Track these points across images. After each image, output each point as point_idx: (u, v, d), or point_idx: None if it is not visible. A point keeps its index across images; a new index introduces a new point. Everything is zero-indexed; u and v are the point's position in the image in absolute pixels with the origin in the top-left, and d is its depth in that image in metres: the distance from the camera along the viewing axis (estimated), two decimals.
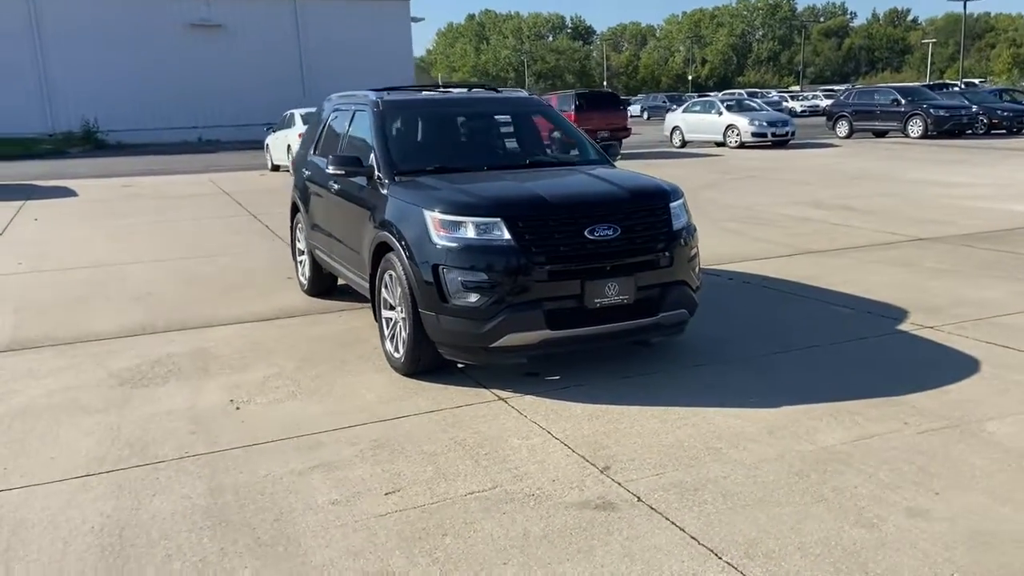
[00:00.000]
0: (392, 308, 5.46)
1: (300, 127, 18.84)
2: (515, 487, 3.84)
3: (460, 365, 5.41)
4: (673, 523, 3.47)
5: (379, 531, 3.47)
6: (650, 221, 5.20)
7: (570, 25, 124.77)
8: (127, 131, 32.80)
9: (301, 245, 7.89)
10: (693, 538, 3.35)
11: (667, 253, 5.18)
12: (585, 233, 4.94)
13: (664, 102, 54.00)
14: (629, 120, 24.25)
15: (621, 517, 3.53)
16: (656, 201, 5.32)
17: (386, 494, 3.80)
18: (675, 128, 27.08)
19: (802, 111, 54.18)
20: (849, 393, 4.90)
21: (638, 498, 3.70)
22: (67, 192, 17.86)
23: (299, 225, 7.90)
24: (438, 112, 6.60)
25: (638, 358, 5.66)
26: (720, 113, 25.74)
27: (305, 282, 7.87)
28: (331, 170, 6.01)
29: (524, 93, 7.14)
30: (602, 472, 3.97)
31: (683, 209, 5.51)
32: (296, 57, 36.40)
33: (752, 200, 13.77)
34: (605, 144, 6.95)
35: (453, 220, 4.95)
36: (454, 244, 4.91)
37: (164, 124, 33.92)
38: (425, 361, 5.26)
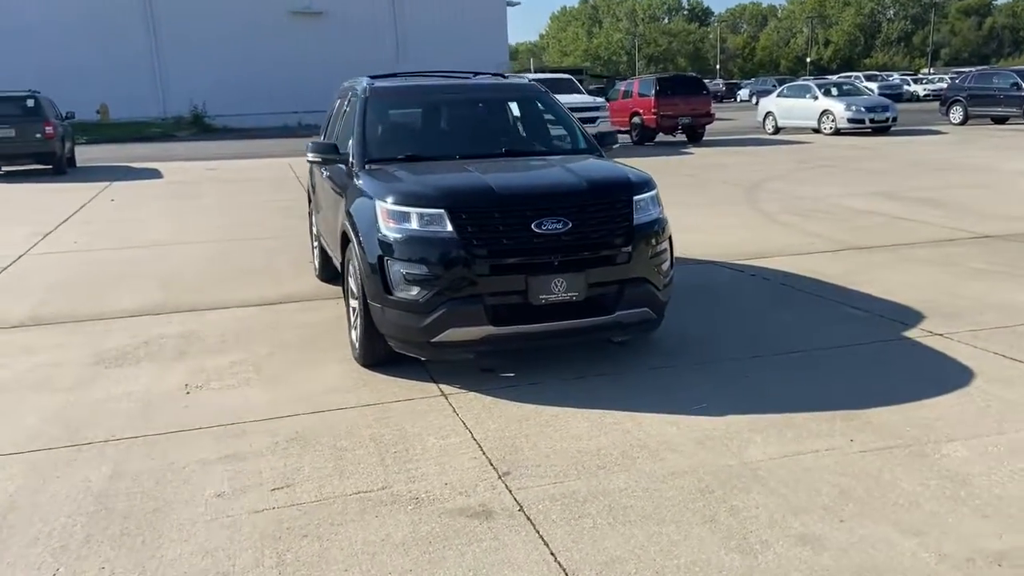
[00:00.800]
0: (355, 297, 5.42)
1: None
2: (404, 488, 3.73)
3: (423, 358, 5.32)
4: (540, 537, 3.29)
5: (245, 528, 3.43)
6: (608, 215, 4.96)
7: (687, 6, 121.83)
8: (232, 116, 34.08)
9: (315, 230, 7.98)
10: (552, 555, 3.17)
11: (625, 249, 4.93)
12: (532, 226, 4.75)
13: (774, 86, 52.01)
14: (713, 105, 23.47)
15: (491, 527, 3.38)
16: (617, 194, 5.07)
17: (273, 490, 3.75)
18: (768, 113, 26.03)
19: (925, 95, 51.30)
20: (810, 404, 4.55)
21: (521, 507, 3.53)
22: (154, 174, 18.71)
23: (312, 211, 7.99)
24: (424, 100, 6.51)
25: (606, 356, 5.43)
26: (815, 97, 24.54)
27: (316, 267, 7.96)
28: (309, 157, 6.02)
29: (526, 80, 6.92)
30: (500, 477, 3.81)
31: (652, 203, 5.23)
32: (392, 43, 36.95)
33: (821, 191, 13.07)
34: (600, 133, 6.69)
35: (400, 211, 4.86)
36: (399, 235, 4.82)
37: (267, 109, 35.06)
38: (379, 353, 5.20)
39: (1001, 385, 4.75)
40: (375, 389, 4.99)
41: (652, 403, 4.64)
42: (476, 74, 7.24)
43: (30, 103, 18.00)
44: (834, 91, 25.03)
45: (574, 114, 20.99)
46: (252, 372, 5.39)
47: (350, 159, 5.77)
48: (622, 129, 23.20)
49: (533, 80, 7.45)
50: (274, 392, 5.03)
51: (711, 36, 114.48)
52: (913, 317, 6.13)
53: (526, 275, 4.74)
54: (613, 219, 4.97)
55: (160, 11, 35.24)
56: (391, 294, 4.83)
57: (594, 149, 6.18)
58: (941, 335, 5.69)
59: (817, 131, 24.46)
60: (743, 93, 61.69)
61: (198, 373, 5.41)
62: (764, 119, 26.25)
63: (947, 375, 4.95)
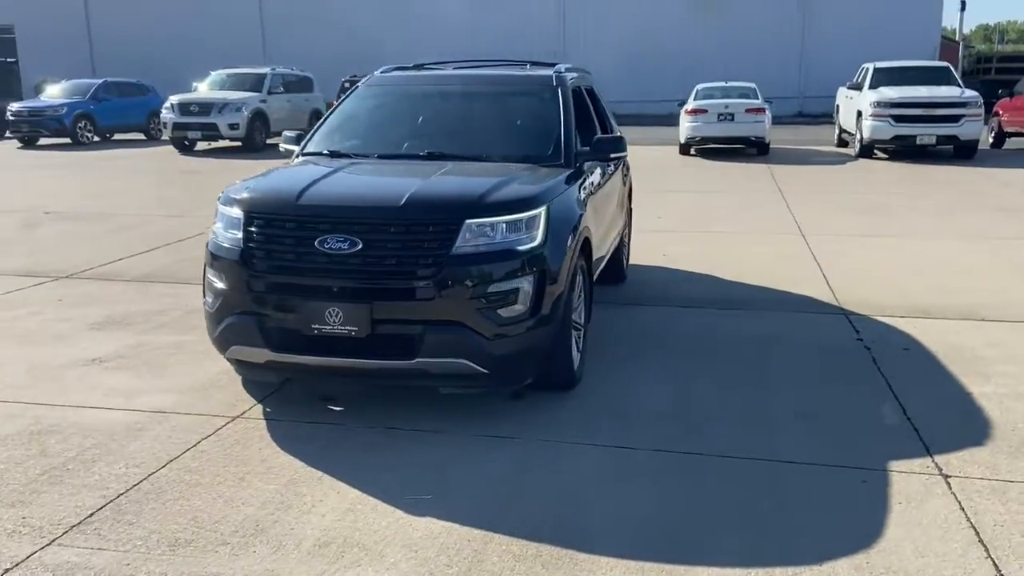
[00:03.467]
0: None
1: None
2: None
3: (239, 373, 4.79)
4: None
5: None
6: (415, 239, 4.03)
7: None
8: (616, 102, 33.85)
9: None
10: None
11: (432, 283, 3.96)
12: (315, 243, 4.04)
13: None
14: None
15: None
16: (434, 215, 4.08)
17: None
18: None
19: None
20: (547, 529, 3.26)
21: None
22: None
23: None
24: (405, 92, 5.88)
25: (465, 409, 4.43)
26: None
27: None
28: (281, 145, 5.83)
29: (550, 72, 5.80)
30: (52, 538, 3.32)
31: (506, 229, 4.10)
32: (799, 24, 33.77)
33: None
34: (598, 139, 5.39)
35: (220, 211, 4.49)
36: (213, 237, 4.46)
37: (649, 96, 34.53)
38: None
39: None
40: (208, 397, 4.65)
41: (395, 478, 3.71)
42: (532, 63, 6.38)
43: None
44: None
45: (933, 109, 17.71)
46: (168, 356, 5.36)
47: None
48: (1021, 131, 18.77)
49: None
50: (146, 381, 4.93)
51: None
52: (961, 439, 4.07)
53: (300, 298, 4.06)
54: (421, 245, 4.02)
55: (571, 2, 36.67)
56: (204, 299, 4.51)
57: (559, 158, 5.03)
58: (945, 476, 3.69)
59: None
60: None
61: (131, 348, 5.55)
62: None
63: (828, 545, 3.18)
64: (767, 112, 17.75)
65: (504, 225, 4.12)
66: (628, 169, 7.31)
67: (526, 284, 4.12)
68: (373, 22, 36.28)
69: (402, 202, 4.11)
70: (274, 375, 4.43)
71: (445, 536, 3.23)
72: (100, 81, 23.45)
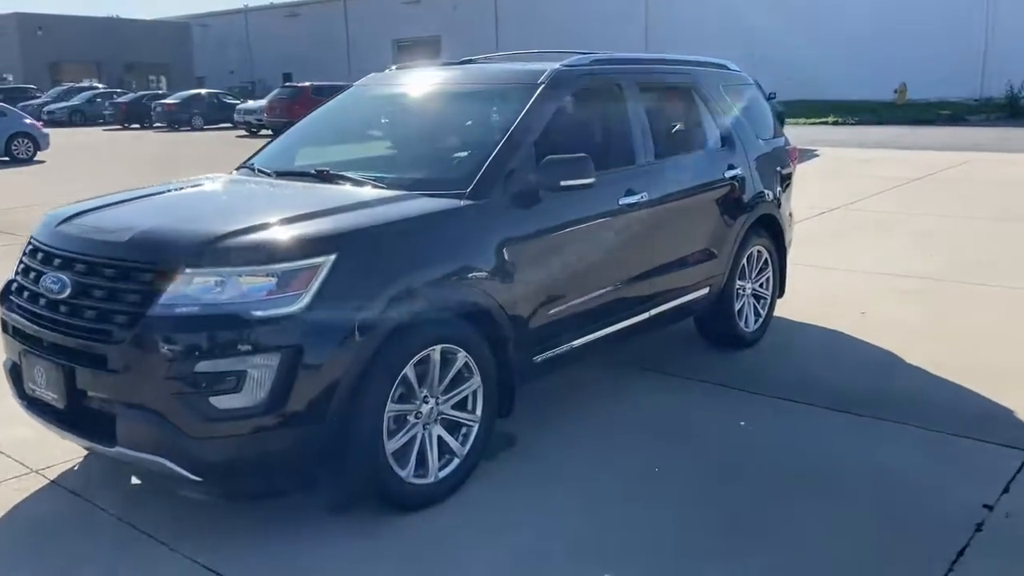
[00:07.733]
0: None
1: None
2: None
3: None
4: None
5: None
6: (124, 288, 3.00)
7: None
8: None
9: None
10: None
11: (124, 349, 2.91)
12: (40, 281, 3.23)
13: None
14: None
15: None
16: (149, 258, 3.01)
17: None
18: None
19: None
20: None
21: None
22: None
23: None
24: (372, 95, 4.78)
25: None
26: None
27: None
28: None
29: (554, 66, 4.11)
30: None
31: (239, 287, 2.91)
32: None
33: None
34: (549, 161, 3.65)
35: None
36: None
37: None
38: None
39: None
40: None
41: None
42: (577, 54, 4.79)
43: None
44: None
45: None
46: None
47: None
48: None
49: None
50: None
51: None
52: None
53: (23, 347, 3.28)
54: (126, 297, 2.98)
55: None
56: None
57: (466, 184, 3.54)
58: None
59: None
60: None
61: None
62: None
63: None
64: None
65: (241, 279, 2.92)
66: (758, 196, 5.28)
67: (266, 363, 2.86)
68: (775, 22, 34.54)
69: (127, 238, 3.11)
70: None
71: None
72: None
